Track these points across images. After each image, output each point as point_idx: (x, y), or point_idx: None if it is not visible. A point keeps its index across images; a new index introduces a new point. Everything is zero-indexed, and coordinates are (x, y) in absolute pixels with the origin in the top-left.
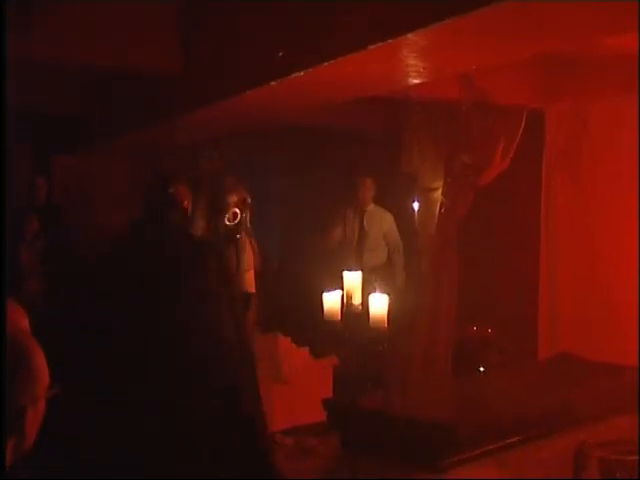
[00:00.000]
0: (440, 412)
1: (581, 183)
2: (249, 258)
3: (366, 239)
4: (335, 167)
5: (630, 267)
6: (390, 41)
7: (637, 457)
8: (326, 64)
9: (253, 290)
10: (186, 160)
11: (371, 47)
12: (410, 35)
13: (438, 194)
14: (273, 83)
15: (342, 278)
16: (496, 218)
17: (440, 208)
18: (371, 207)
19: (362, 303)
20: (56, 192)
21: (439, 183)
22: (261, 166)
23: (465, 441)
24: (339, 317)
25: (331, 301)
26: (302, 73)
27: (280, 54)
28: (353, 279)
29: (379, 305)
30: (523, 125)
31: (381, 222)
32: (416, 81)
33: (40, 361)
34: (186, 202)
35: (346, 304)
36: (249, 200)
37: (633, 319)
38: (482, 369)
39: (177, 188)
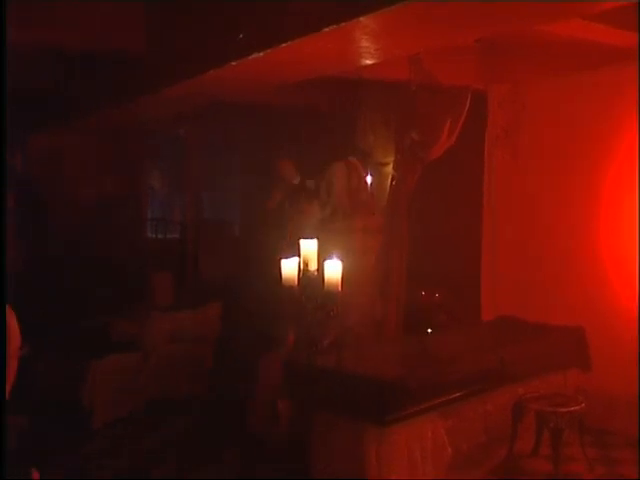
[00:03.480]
0: (390, 370)
1: (519, 158)
2: None
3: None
4: (293, 142)
5: (562, 235)
6: (343, 24)
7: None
8: (284, 45)
9: None
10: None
11: (326, 30)
12: (362, 18)
13: (389, 168)
14: (234, 63)
15: (299, 246)
16: (442, 191)
17: (391, 181)
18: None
19: (317, 269)
20: (29, 169)
21: (390, 158)
22: (223, 141)
23: (413, 396)
24: (296, 282)
25: (289, 267)
26: (261, 54)
27: (240, 36)
28: (309, 247)
29: (333, 271)
30: (468, 105)
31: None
32: (368, 62)
33: (12, 323)
34: None
35: (303, 270)
36: None
37: (564, 283)
38: (430, 330)
39: None
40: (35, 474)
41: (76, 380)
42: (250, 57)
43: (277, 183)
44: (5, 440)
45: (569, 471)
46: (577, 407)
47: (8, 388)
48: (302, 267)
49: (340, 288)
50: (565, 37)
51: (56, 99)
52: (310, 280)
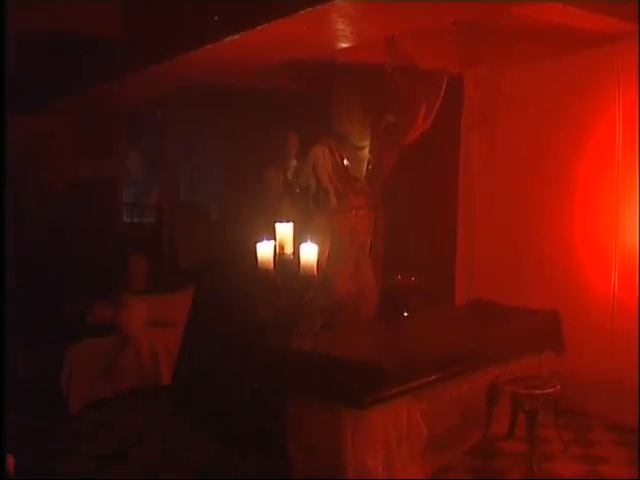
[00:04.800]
0: (366, 353)
1: (496, 142)
2: None
3: (291, 191)
4: (267, 126)
5: (537, 220)
6: (319, 7)
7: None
8: (259, 28)
9: None
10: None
11: (301, 12)
12: (337, 1)
13: (366, 152)
14: (209, 46)
15: (274, 229)
16: (419, 174)
17: (368, 165)
18: (293, 162)
19: (293, 252)
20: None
21: (366, 142)
22: (200, 124)
23: (389, 379)
24: (272, 266)
25: (264, 251)
26: (237, 36)
27: (216, 18)
28: (285, 230)
29: (309, 254)
30: (444, 88)
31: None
32: (344, 45)
33: None
34: None
35: (278, 253)
36: None
37: (539, 267)
38: (406, 314)
39: None
40: (10, 460)
41: (53, 365)
42: (226, 39)
43: (279, 157)
44: (5, 438)
45: (544, 452)
46: (552, 389)
47: None
48: (278, 250)
49: (316, 272)
50: (543, 21)
51: (31, 82)
52: (286, 264)
